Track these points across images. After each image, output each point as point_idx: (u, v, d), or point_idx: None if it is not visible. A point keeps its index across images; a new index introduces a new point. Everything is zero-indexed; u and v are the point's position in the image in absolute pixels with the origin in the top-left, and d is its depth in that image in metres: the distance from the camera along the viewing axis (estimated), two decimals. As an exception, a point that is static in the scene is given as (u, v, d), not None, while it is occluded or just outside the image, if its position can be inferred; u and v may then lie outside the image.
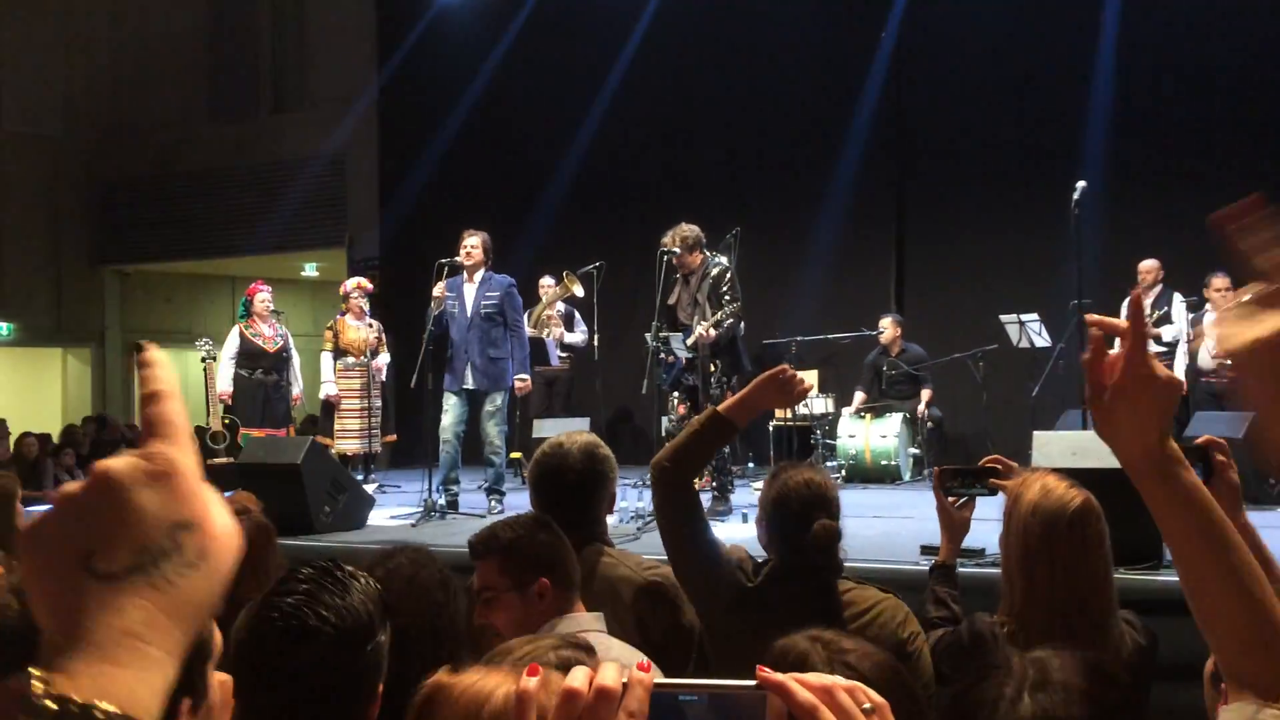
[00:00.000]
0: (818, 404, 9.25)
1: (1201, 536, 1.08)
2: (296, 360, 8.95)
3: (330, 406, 8.90)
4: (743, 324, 6.76)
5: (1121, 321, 1.10)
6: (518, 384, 6.97)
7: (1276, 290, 0.95)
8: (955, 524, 2.62)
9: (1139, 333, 1.09)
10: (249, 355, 8.56)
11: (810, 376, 9.78)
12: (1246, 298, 0.97)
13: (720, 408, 2.61)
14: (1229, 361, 0.98)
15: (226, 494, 7.11)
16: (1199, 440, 2.24)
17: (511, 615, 2.20)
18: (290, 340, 8.88)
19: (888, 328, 9.07)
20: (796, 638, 1.65)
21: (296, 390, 8.94)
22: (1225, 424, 6.42)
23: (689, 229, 6.59)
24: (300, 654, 1.48)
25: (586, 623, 2.17)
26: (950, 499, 2.60)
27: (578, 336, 9.41)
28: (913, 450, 8.76)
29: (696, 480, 8.20)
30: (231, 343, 8.63)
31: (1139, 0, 9.15)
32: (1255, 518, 6.15)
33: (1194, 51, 9.00)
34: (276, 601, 1.53)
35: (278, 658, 1.49)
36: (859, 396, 9.13)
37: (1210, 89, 8.96)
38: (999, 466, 2.53)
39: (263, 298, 8.72)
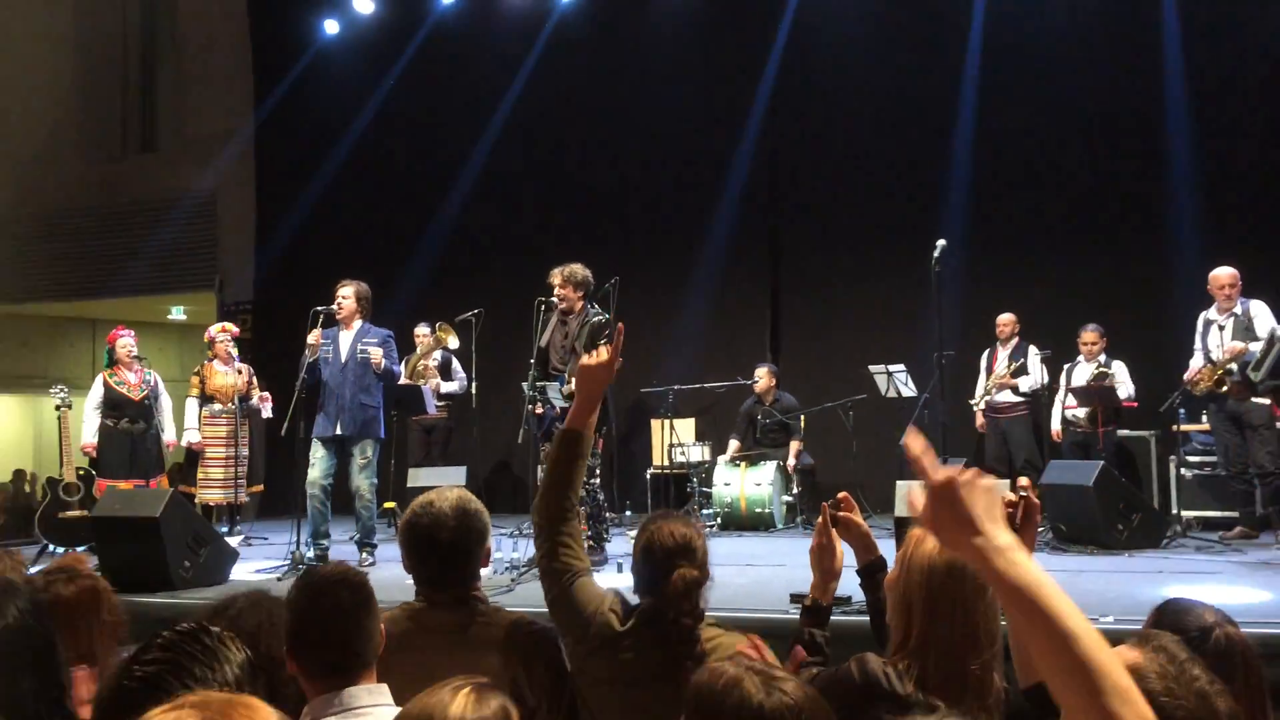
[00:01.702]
0: (694, 452, 9.34)
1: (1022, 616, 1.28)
2: (167, 404, 8.61)
3: (194, 455, 8.61)
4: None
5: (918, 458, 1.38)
6: (374, 358, 6.67)
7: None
8: (832, 562, 2.66)
9: (922, 470, 1.35)
10: (113, 404, 8.23)
11: (687, 426, 9.90)
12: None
13: (568, 424, 2.69)
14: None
15: (57, 551, 6.76)
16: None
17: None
18: (160, 385, 8.56)
19: (763, 377, 9.25)
20: (727, 664, 1.64)
21: (169, 436, 8.59)
22: (1076, 472, 6.74)
23: (579, 269, 6.66)
24: None
25: (363, 698, 2.09)
26: (833, 529, 2.66)
27: (455, 385, 9.31)
28: (786, 498, 8.92)
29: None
30: (95, 392, 8.29)
31: (997, 66, 9.64)
32: (1102, 561, 6.42)
33: (1048, 116, 9.51)
34: (135, 668, 1.44)
35: None
36: (733, 444, 9.26)
37: (1062, 152, 9.47)
38: (842, 503, 2.65)
39: (124, 343, 8.39)
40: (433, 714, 1.53)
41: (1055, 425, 8.29)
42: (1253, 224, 8.61)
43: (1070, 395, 8.08)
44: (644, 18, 10.93)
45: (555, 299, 6.68)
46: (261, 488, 9.38)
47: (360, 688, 2.06)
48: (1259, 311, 7.07)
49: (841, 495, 2.67)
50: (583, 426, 2.67)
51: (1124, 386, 7.99)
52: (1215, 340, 7.17)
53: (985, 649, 2.14)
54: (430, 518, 2.63)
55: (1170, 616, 2.08)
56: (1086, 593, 4.77)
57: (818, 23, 10.37)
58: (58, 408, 8.22)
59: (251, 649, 1.61)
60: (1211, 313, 7.28)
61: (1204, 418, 7.97)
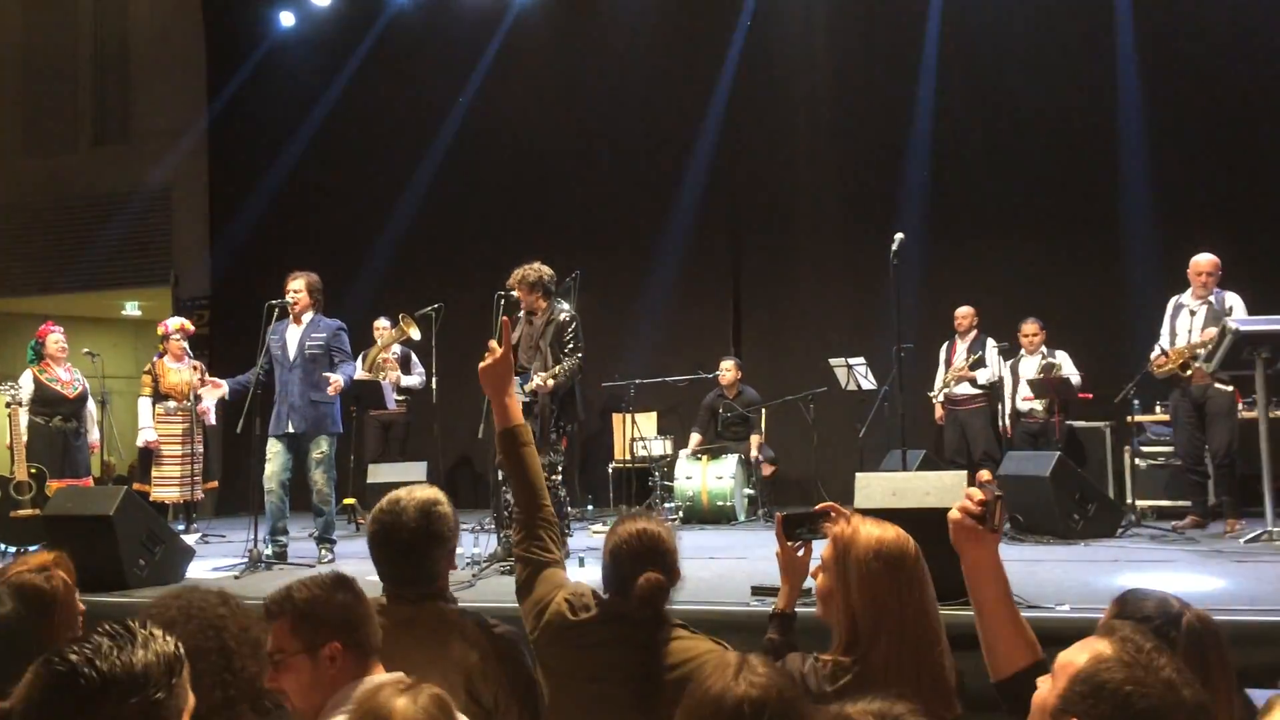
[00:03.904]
0: (656, 446, 9.34)
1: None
2: (93, 406, 8.45)
3: (149, 453, 8.47)
4: (580, 373, 6.76)
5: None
6: (333, 381, 6.56)
7: None
8: (797, 570, 2.66)
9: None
10: (46, 401, 8.05)
11: (649, 419, 9.90)
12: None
13: (497, 427, 2.85)
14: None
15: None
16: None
17: (301, 679, 2.12)
18: (87, 385, 8.38)
19: (729, 369, 9.25)
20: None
21: (93, 438, 8.43)
22: (1033, 463, 6.82)
23: (535, 269, 6.44)
24: (62, 700, 1.53)
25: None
26: (791, 544, 2.65)
27: (414, 379, 9.25)
28: (747, 491, 8.94)
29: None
30: (25, 388, 8.09)
31: (952, 66, 9.72)
32: (1059, 551, 6.48)
33: (1005, 110, 9.60)
34: (61, 648, 1.61)
35: (43, 703, 1.54)
36: (695, 438, 9.27)
37: (1019, 146, 9.56)
38: (831, 512, 2.59)
39: (55, 339, 8.21)
40: (378, 713, 1.66)
41: (1005, 420, 8.35)
42: (1207, 216, 8.73)
43: (1027, 387, 8.16)
44: (603, 11, 10.90)
45: (517, 300, 6.61)
46: (215, 484, 9.26)
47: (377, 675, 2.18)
48: (1235, 303, 7.01)
49: (827, 505, 2.61)
50: (508, 423, 2.82)
51: (1073, 376, 8.11)
52: (1185, 325, 7.11)
53: (937, 640, 2.18)
54: (393, 516, 2.62)
55: (1133, 605, 2.09)
56: (1044, 582, 4.82)
57: (777, 17, 10.40)
58: (8, 405, 8.06)
59: (203, 633, 1.79)
60: (1185, 297, 7.19)
61: (1158, 409, 8.09)
